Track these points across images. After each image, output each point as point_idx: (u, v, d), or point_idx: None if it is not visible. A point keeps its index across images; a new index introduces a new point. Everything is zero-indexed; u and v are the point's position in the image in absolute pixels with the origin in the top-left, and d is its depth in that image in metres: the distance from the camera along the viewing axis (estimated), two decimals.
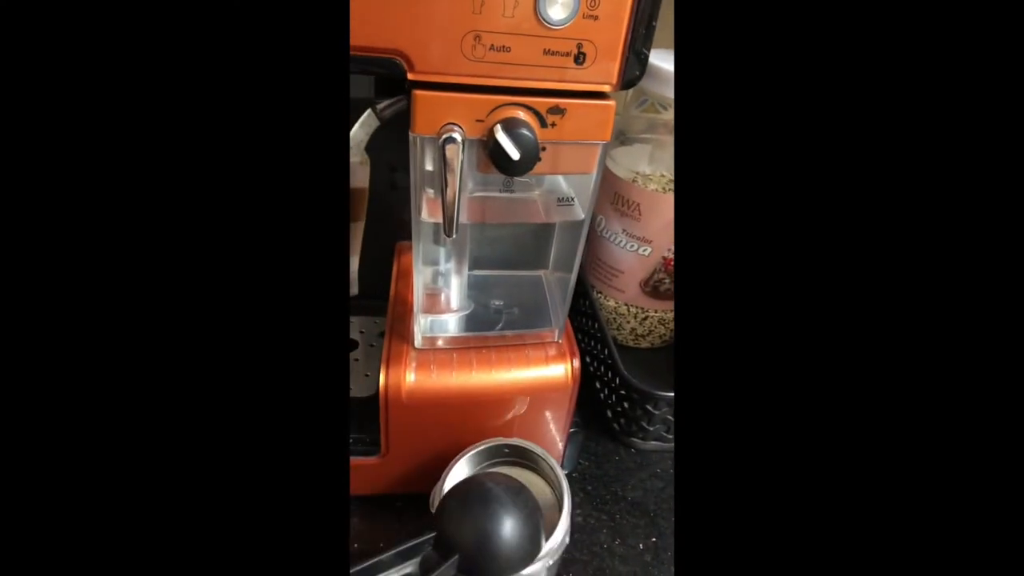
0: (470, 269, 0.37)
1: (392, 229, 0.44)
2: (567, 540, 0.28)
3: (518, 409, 0.34)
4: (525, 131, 0.25)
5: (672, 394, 0.38)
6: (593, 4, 0.24)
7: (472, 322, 0.35)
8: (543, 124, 0.26)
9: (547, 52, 0.25)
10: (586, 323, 0.49)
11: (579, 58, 0.25)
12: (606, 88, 0.26)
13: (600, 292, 0.50)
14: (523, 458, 0.32)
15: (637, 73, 0.27)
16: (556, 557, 0.28)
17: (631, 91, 0.46)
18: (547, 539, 0.28)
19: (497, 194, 0.31)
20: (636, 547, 0.35)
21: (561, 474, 0.30)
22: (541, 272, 0.40)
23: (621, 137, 0.48)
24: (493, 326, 0.35)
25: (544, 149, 0.27)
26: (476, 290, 0.37)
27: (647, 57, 0.26)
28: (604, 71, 0.26)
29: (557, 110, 0.26)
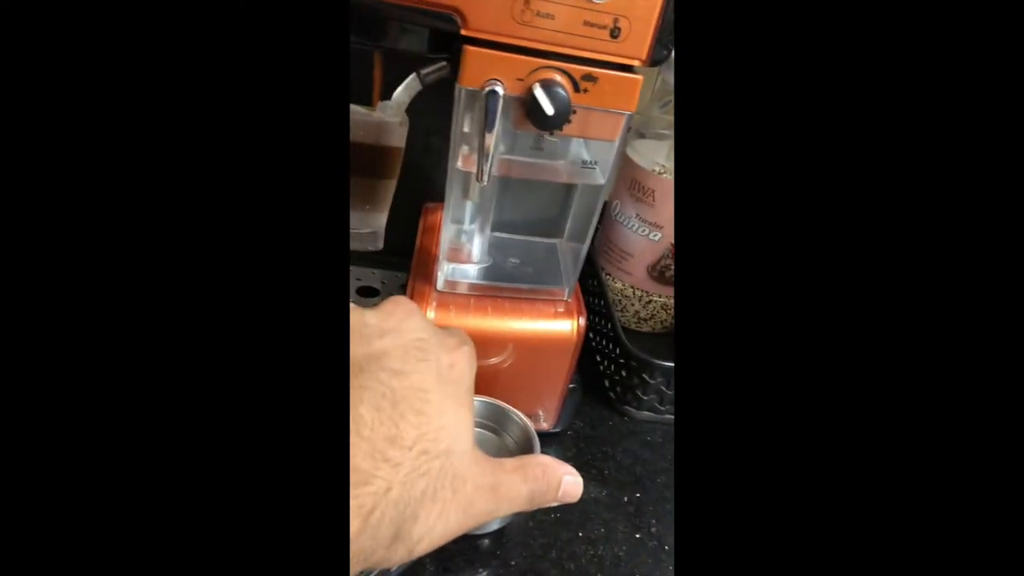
0: (493, 231, 0.40)
1: (420, 191, 0.47)
2: None
3: (525, 356, 0.37)
4: (560, 91, 0.28)
5: (668, 364, 0.41)
6: None
7: (490, 273, 0.38)
8: (576, 89, 0.29)
9: (586, 23, 0.28)
10: (594, 302, 0.51)
11: (615, 32, 0.28)
12: (636, 63, 0.29)
13: (609, 274, 0.53)
14: (495, 419, 0.37)
15: (665, 53, 0.30)
16: None
17: (655, 93, 0.49)
18: None
19: (525, 158, 0.34)
20: (620, 499, 0.38)
21: (531, 427, 0.35)
22: (556, 240, 0.43)
23: (643, 131, 0.51)
24: (509, 279, 0.38)
25: (575, 112, 0.30)
26: (496, 249, 0.40)
27: (673, 41, 0.29)
28: (636, 47, 0.29)
29: (590, 78, 0.29)
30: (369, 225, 0.44)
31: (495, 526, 0.34)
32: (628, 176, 0.49)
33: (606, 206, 0.53)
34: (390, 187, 0.44)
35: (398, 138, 0.42)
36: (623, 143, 0.32)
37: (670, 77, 0.46)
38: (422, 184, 0.46)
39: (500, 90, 0.28)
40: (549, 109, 0.28)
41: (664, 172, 0.46)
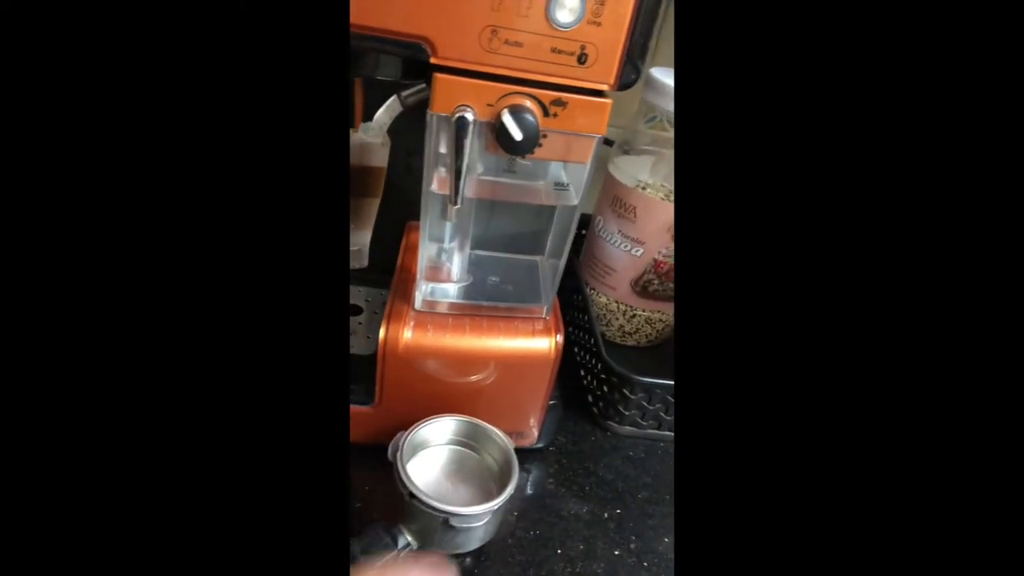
0: (472, 248, 0.41)
1: (404, 210, 0.48)
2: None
3: (503, 374, 0.37)
4: (528, 116, 0.29)
5: (648, 380, 0.41)
6: (597, 12, 0.27)
7: (469, 292, 0.38)
8: (546, 114, 0.30)
9: (554, 50, 0.28)
10: (578, 316, 0.52)
11: (582, 58, 0.29)
12: (604, 87, 0.30)
13: (593, 288, 0.53)
14: (475, 437, 0.37)
15: (633, 78, 0.30)
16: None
17: (640, 108, 0.50)
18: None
19: (501, 179, 0.35)
20: (601, 516, 0.38)
21: (510, 445, 0.35)
22: (537, 258, 0.43)
23: (626, 147, 0.51)
24: (488, 297, 0.38)
25: (545, 136, 0.30)
26: (476, 267, 0.40)
27: (641, 65, 0.30)
28: (603, 72, 0.29)
29: (559, 103, 0.30)
30: (354, 243, 0.45)
31: (474, 545, 0.34)
32: (610, 192, 0.50)
33: (590, 221, 0.53)
34: (373, 205, 0.44)
35: (380, 158, 0.42)
36: (594, 165, 0.32)
37: (650, 96, 0.46)
38: (404, 203, 0.47)
39: (470, 116, 0.29)
40: (517, 135, 0.28)
41: (646, 188, 0.47)
